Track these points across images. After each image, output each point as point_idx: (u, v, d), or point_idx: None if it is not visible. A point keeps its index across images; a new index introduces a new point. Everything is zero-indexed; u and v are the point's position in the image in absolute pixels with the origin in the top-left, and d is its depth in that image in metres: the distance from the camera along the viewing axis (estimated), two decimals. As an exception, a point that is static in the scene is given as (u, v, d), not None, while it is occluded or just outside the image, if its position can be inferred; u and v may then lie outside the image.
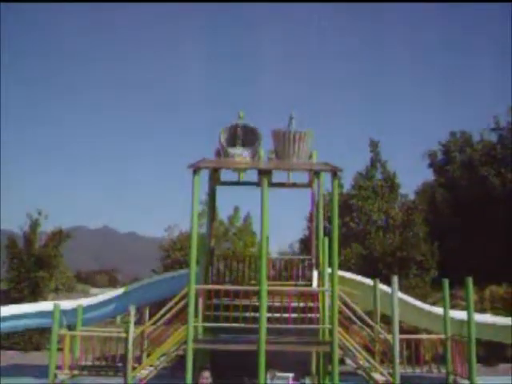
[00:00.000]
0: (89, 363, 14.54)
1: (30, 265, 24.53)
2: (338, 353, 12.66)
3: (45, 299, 22.82)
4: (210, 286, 13.96)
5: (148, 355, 13.67)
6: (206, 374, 8.24)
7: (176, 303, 13.47)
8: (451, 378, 13.97)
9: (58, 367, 13.60)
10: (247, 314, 13.16)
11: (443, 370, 14.27)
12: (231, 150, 14.15)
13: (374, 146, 29.46)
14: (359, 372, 13.19)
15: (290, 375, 16.60)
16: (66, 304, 15.87)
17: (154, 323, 13.89)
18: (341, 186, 26.92)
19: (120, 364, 13.56)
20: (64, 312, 14.55)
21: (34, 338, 22.47)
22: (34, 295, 23.20)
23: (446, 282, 14.74)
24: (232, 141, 14.47)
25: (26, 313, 17.10)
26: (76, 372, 13.97)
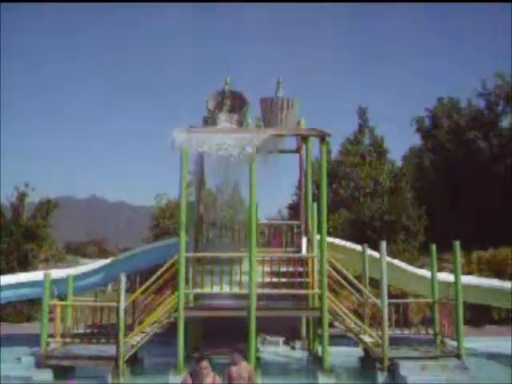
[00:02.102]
0: (80, 332, 14.70)
1: (19, 236, 24.49)
2: (327, 317, 12.83)
3: (34, 270, 22.83)
4: (200, 254, 14.02)
5: (139, 323, 13.78)
6: (204, 363, 7.90)
7: (166, 270, 13.55)
8: (439, 339, 14.19)
9: (50, 336, 13.68)
10: (237, 280, 13.28)
11: (431, 332, 14.50)
12: (219, 116, 14.08)
13: (361, 112, 29.46)
14: (349, 335, 13.41)
15: (280, 339, 16.89)
16: (57, 273, 15.86)
17: (145, 291, 13.98)
18: (329, 152, 26.94)
19: (112, 332, 13.67)
20: (54, 281, 14.52)
21: (24, 308, 22.54)
22: (24, 267, 23.19)
23: (433, 247, 14.89)
24: (219, 107, 14.40)
25: (16, 283, 17.14)
26: (68, 340, 14.07)
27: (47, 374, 12.76)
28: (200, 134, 13.55)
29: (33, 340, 14.22)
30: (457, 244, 13.58)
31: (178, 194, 13.77)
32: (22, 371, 12.93)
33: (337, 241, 17.53)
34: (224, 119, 13.93)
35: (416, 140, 35.13)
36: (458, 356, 12.89)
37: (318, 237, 14.03)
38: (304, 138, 15.37)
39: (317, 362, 13.59)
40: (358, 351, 14.33)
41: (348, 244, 17.47)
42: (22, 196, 25.36)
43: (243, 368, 8.66)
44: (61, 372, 12.85)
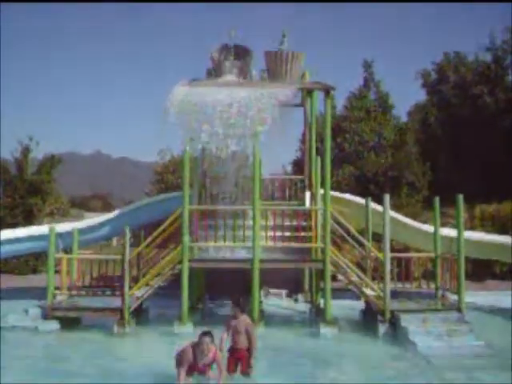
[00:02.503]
0: (86, 284, 14.91)
1: (23, 191, 24.57)
2: (330, 270, 12.95)
3: (39, 225, 22.99)
4: (204, 207, 14.06)
5: (144, 275, 13.94)
6: (207, 339, 7.75)
7: (170, 224, 13.63)
8: (440, 292, 14.34)
9: (56, 288, 13.87)
10: (241, 234, 13.37)
11: (432, 286, 14.65)
12: (225, 64, 13.94)
13: (367, 66, 29.05)
14: (351, 288, 13.55)
15: (283, 292, 17.10)
16: (62, 227, 15.95)
17: (149, 244, 14.11)
18: (333, 106, 26.71)
19: (117, 284, 13.86)
20: (60, 235, 14.64)
21: (30, 261, 22.80)
22: (29, 221, 23.32)
23: (437, 200, 14.90)
24: (224, 57, 14.27)
25: (21, 237, 17.24)
26: (74, 292, 14.29)
27: (54, 325, 13.00)
28: (204, 87, 13.41)
29: (39, 292, 14.38)
30: (460, 198, 13.57)
31: (181, 150, 13.70)
32: (29, 322, 13.12)
33: (340, 195, 17.55)
34: (228, 68, 13.76)
35: (421, 96, 34.84)
36: (459, 309, 13.02)
37: (321, 191, 14.05)
38: (308, 92, 15.24)
39: (319, 314, 13.77)
40: (360, 304, 14.50)
41: (352, 198, 17.50)
42: (25, 151, 25.31)
43: (241, 321, 8.76)
44: (67, 323, 13.06)
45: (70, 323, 13.09)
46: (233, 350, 8.75)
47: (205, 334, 7.78)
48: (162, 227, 13.71)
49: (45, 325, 12.99)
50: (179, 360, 7.89)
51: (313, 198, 14.97)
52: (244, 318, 8.81)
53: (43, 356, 10.91)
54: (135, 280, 13.88)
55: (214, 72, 14.28)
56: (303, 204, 15.31)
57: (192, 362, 7.73)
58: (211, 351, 7.73)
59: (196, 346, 7.75)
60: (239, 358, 8.67)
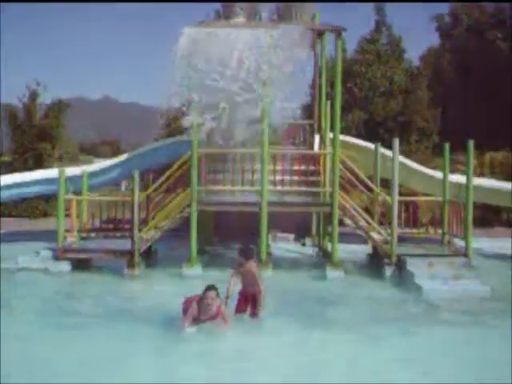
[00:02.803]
0: (96, 227, 15.06)
1: (32, 136, 24.58)
2: (337, 214, 12.99)
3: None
4: (213, 150, 14.03)
5: (153, 218, 14.05)
6: (212, 293, 7.76)
7: (179, 168, 13.66)
8: (447, 238, 14.38)
9: (67, 231, 14.02)
10: (249, 178, 13.39)
11: (439, 232, 14.70)
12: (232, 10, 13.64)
13: (379, 9, 28.35)
14: (358, 232, 13.61)
15: (291, 236, 17.23)
16: (71, 170, 15.99)
17: (159, 188, 14.17)
18: (344, 50, 26.20)
19: (127, 227, 14.00)
20: (69, 179, 14.68)
21: (40, 205, 23.03)
22: (39, 166, 23.46)
23: (447, 145, 14.78)
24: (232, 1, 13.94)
25: (31, 180, 17.35)
26: (84, 235, 14.46)
27: (65, 267, 13.21)
28: (213, 28, 13.17)
29: (50, 235, 14.56)
30: (471, 143, 13.46)
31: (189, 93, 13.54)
32: (41, 264, 13.31)
33: (350, 139, 17.44)
34: (238, 10, 13.47)
35: (435, 40, 34.13)
36: (466, 255, 13.08)
37: (330, 135, 13.96)
38: (319, 35, 14.96)
39: (326, 258, 13.91)
40: (367, 249, 14.62)
41: (361, 142, 17.40)
42: (33, 95, 25.18)
43: (247, 269, 8.79)
44: (78, 264, 13.27)
45: (80, 265, 13.30)
46: (242, 293, 8.90)
47: (209, 288, 7.81)
48: (170, 170, 13.74)
49: (56, 266, 13.19)
50: (184, 311, 7.99)
51: (322, 142, 14.90)
52: (250, 266, 8.79)
53: (53, 296, 11.07)
54: (144, 223, 14.01)
55: (223, 14, 14.01)
56: (312, 148, 15.25)
57: (196, 315, 7.80)
58: (215, 305, 7.78)
59: (200, 300, 7.79)
60: (248, 300, 8.80)
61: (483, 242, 16.35)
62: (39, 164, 23.59)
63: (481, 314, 9.95)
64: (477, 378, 6.82)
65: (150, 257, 14.07)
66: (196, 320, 7.85)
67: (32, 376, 6.67)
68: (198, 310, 7.79)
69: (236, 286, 8.92)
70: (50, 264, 13.26)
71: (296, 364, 7.14)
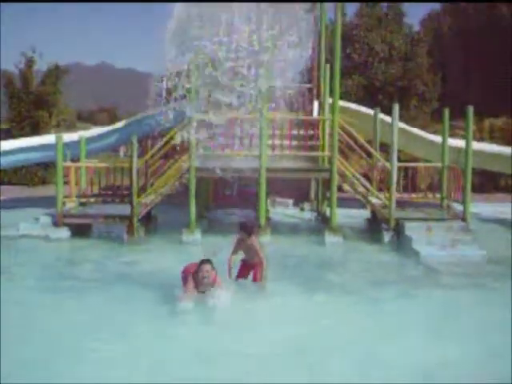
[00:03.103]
0: (95, 193, 15.05)
1: (29, 104, 24.41)
2: (336, 179, 12.98)
3: (47, 136, 23.00)
4: (211, 116, 13.90)
5: (152, 184, 14.04)
6: (207, 267, 7.68)
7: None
8: (445, 203, 14.41)
9: (66, 197, 14.02)
10: (246, 142, 13.31)
11: (438, 197, 14.72)
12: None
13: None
14: (357, 197, 13.63)
15: (290, 201, 17.26)
16: (69, 136, 15.89)
17: (156, 153, 14.12)
18: (344, 14, 25.85)
19: (125, 193, 14.01)
20: (67, 145, 14.60)
21: (39, 172, 23.00)
22: (36, 134, 23.37)
23: (447, 111, 14.71)
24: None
25: (28, 146, 17.27)
26: (83, 200, 14.45)
27: (65, 233, 13.24)
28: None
29: (49, 202, 14.55)
30: (470, 109, 13.39)
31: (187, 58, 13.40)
32: (40, 230, 13.34)
33: (349, 104, 17.35)
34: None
35: (435, 5, 33.60)
36: (464, 219, 13.14)
37: (329, 100, 13.87)
38: (319, -3, 14.75)
39: (325, 223, 13.96)
40: (366, 214, 14.66)
41: (360, 108, 17.30)
42: (30, 62, 24.93)
43: (249, 243, 8.66)
44: (77, 231, 13.30)
45: (80, 231, 13.32)
46: (244, 262, 8.86)
47: (204, 261, 7.80)
48: (168, 136, 13.68)
49: (56, 232, 13.22)
50: (183, 280, 7.99)
51: (321, 107, 14.81)
52: (251, 241, 8.64)
53: (53, 262, 11.14)
54: (143, 189, 14.00)
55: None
56: (311, 114, 15.16)
57: (192, 289, 7.79)
58: (211, 277, 7.77)
59: (196, 274, 7.79)
60: (251, 267, 8.76)
61: (481, 206, 16.41)
62: (36, 132, 23.47)
63: (479, 277, 10.06)
64: (476, 339, 6.91)
65: (149, 223, 14.10)
66: (193, 293, 7.82)
67: (31, 339, 6.75)
68: (195, 284, 7.79)
69: (237, 256, 8.91)
70: (49, 231, 13.29)
71: (296, 327, 7.20)
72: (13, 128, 24.25)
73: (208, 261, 7.81)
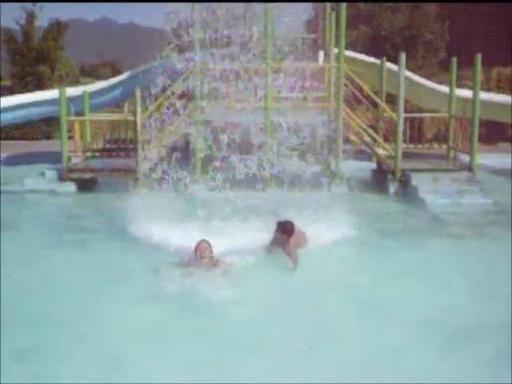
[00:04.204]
0: (100, 147, 15.02)
1: (31, 59, 24.14)
2: (342, 129, 12.87)
3: (50, 91, 22.79)
4: (215, 65, 13.71)
5: (156, 137, 13.96)
6: (204, 244, 7.47)
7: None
8: (451, 153, 14.33)
9: (71, 152, 14.00)
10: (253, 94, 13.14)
11: (444, 147, 14.64)
12: None
13: None
14: (363, 148, 13.56)
15: (295, 153, 17.13)
16: (72, 91, 15.76)
17: (160, 106, 13.98)
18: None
19: (130, 146, 13.96)
20: (70, 99, 14.52)
21: (43, 127, 22.90)
22: (38, 89, 23.17)
23: (454, 60, 14.48)
24: None
25: (32, 101, 17.15)
26: (88, 155, 14.44)
27: (70, 187, 13.27)
28: None
29: (54, 157, 14.53)
30: (478, 56, 13.18)
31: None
32: (46, 185, 13.37)
33: (355, 54, 17.05)
34: None
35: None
36: (470, 169, 13.09)
37: (335, 50, 13.64)
38: None
39: (330, 174, 13.89)
40: (372, 165, 14.59)
41: (366, 58, 17.01)
42: (30, 17, 24.53)
43: (287, 247, 7.96)
44: (83, 185, 13.33)
45: (86, 185, 13.35)
46: None
47: (202, 240, 7.58)
48: (172, 88, 13.52)
49: (61, 187, 13.27)
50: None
51: (326, 57, 14.58)
52: (288, 242, 7.90)
53: (59, 215, 11.23)
54: (148, 143, 13.92)
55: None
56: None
57: (189, 263, 7.58)
58: (207, 258, 7.47)
59: (195, 249, 7.58)
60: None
61: (488, 157, 16.30)
62: (39, 88, 23.23)
63: (484, 227, 10.08)
64: (481, 287, 6.98)
65: (155, 175, 14.03)
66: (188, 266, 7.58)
67: (35, 292, 6.83)
68: (194, 258, 7.58)
69: None
70: (55, 185, 13.32)
71: (302, 275, 7.25)
72: (15, 84, 24.04)
73: (204, 240, 7.59)
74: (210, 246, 7.58)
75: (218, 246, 7.79)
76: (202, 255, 7.48)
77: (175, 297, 6.62)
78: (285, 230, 7.90)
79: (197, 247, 7.54)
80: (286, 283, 7.11)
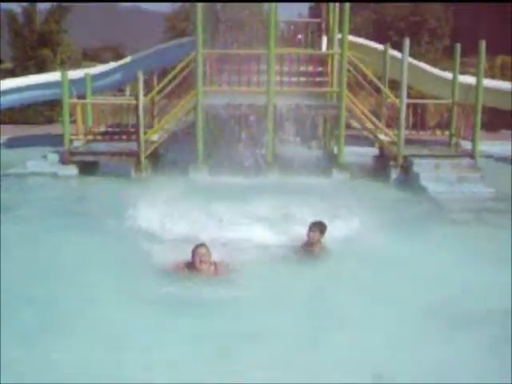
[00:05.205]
0: (102, 131, 14.98)
1: (33, 42, 24.00)
2: (344, 115, 12.82)
3: (52, 74, 22.69)
4: (218, 51, 13.67)
5: (159, 122, 13.95)
6: (202, 250, 6.74)
7: (183, 69, 13.38)
8: (454, 140, 14.30)
9: (72, 135, 13.98)
10: (255, 79, 13.12)
11: (447, 133, 14.60)
12: None
13: None
14: (365, 134, 13.51)
15: (297, 139, 17.12)
16: (74, 74, 15.67)
17: (162, 90, 13.95)
18: None
19: (132, 130, 13.94)
20: (72, 82, 14.44)
21: (45, 110, 22.84)
22: (41, 72, 23.09)
23: (458, 46, 14.42)
24: None
25: (34, 84, 17.09)
26: (90, 138, 14.40)
27: (72, 170, 13.27)
28: None
29: (56, 140, 14.50)
30: (482, 43, 13.11)
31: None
32: (48, 168, 13.36)
33: (358, 40, 16.94)
34: None
35: None
36: (472, 156, 13.08)
37: (338, 36, 13.57)
38: None
39: (332, 160, 13.89)
40: (373, 151, 14.55)
41: (370, 43, 16.90)
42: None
43: (318, 241, 7.70)
44: (85, 168, 13.33)
45: (88, 168, 13.35)
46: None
47: (200, 245, 6.84)
48: (174, 72, 13.47)
49: (63, 170, 13.26)
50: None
51: (330, 43, 14.51)
52: (320, 240, 7.71)
53: (61, 199, 11.21)
54: (150, 126, 13.92)
55: None
56: (319, 50, 14.87)
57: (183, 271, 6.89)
58: (206, 264, 6.75)
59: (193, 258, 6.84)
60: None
61: (490, 144, 16.25)
62: (41, 71, 23.13)
63: (485, 214, 10.07)
64: (479, 273, 6.98)
65: (156, 160, 14.06)
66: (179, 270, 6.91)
67: (37, 275, 6.83)
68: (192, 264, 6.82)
69: None
70: (57, 168, 13.32)
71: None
72: (17, 67, 23.93)
73: (203, 245, 6.84)
74: (208, 250, 6.79)
75: (220, 233, 7.66)
76: (201, 260, 6.71)
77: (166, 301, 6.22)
78: (323, 228, 7.62)
79: (195, 252, 6.76)
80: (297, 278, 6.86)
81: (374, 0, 25.60)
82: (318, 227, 7.58)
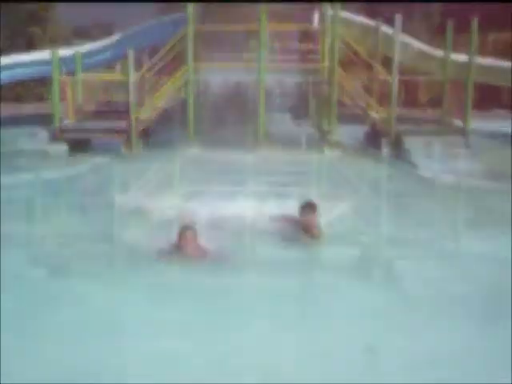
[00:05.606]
0: (92, 109, 14.90)
1: (22, 20, 23.72)
2: (336, 91, 12.78)
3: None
4: (209, 26, 13.54)
5: (150, 99, 13.85)
6: (190, 233, 6.33)
7: (173, 46, 13.26)
8: (445, 118, 14.30)
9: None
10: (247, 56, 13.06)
11: (439, 111, 14.60)
12: None
13: None
14: (357, 111, 13.49)
15: (288, 116, 17.09)
16: (64, 52, 15.50)
17: (153, 67, 13.84)
18: None
19: (123, 109, 13.85)
20: (62, 60, 14.30)
21: (36, 89, 22.65)
22: (30, 50, 22.85)
23: (450, 23, 14.40)
24: None
25: (23, 62, 16.91)
26: (81, 116, 14.32)
27: (63, 148, 13.21)
28: None
29: (47, 118, 14.39)
30: (475, 21, 13.09)
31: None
32: (38, 145, 13.32)
33: (351, 16, 16.80)
34: None
35: None
36: (463, 134, 13.10)
37: (330, 11, 13.46)
38: None
39: (323, 137, 13.86)
40: (365, 128, 14.53)
41: (363, 20, 16.77)
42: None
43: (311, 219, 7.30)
44: (75, 146, 13.26)
45: (78, 146, 13.28)
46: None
47: (187, 227, 6.44)
48: (165, 48, 13.35)
49: (54, 147, 13.20)
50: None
51: (322, 19, 14.40)
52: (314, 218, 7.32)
53: (51, 176, 11.18)
54: (140, 105, 13.82)
55: None
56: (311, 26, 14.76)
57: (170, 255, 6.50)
58: (192, 247, 6.35)
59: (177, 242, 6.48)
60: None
61: (481, 122, 16.26)
62: (31, 49, 22.88)
63: (476, 191, 10.10)
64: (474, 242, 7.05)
65: (147, 137, 14.00)
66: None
67: (30, 254, 6.77)
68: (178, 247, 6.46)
69: None
70: (47, 145, 13.27)
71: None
72: (7, 47, 23.64)
73: (189, 227, 6.47)
74: (195, 232, 6.39)
75: (209, 209, 7.53)
76: (190, 244, 6.32)
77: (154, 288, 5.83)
78: (314, 207, 7.25)
79: (181, 235, 6.34)
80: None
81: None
82: (312, 208, 7.15)
